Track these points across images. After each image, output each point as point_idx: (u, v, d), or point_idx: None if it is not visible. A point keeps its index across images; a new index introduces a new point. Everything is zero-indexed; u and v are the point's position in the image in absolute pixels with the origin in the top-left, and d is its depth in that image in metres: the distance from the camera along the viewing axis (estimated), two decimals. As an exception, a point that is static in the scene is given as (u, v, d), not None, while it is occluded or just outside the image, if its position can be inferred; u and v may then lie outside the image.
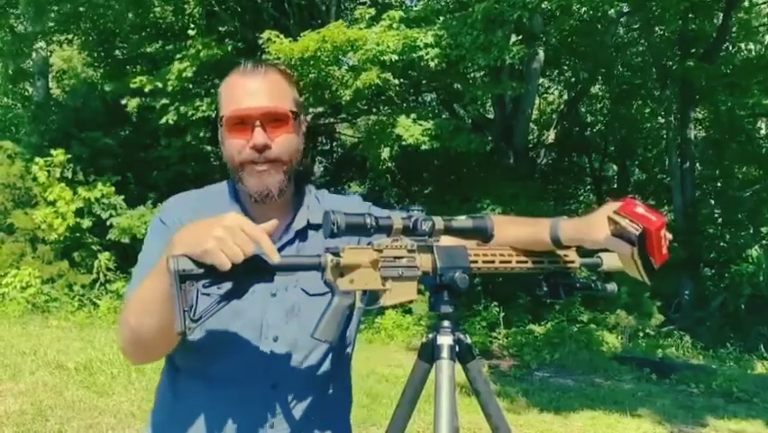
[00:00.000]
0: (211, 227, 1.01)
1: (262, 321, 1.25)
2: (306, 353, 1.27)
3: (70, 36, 11.79)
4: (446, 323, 1.18)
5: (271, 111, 1.23)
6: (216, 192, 1.35)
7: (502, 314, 9.26)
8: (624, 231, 1.13)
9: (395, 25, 8.62)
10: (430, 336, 1.20)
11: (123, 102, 9.73)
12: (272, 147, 1.23)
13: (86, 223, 9.73)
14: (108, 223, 9.80)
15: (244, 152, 1.23)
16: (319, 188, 1.45)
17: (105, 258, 9.86)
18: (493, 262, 1.24)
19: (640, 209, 1.12)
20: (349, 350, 1.38)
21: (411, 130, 8.92)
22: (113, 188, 9.90)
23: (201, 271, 1.01)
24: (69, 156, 9.98)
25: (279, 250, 1.25)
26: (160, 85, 9.38)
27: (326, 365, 1.31)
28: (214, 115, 9.75)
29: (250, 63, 1.29)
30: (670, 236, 1.15)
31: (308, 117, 10.36)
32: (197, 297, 1.03)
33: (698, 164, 13.02)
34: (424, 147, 9.03)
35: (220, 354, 1.24)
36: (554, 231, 1.21)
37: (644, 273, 1.17)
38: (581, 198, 15.60)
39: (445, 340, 1.17)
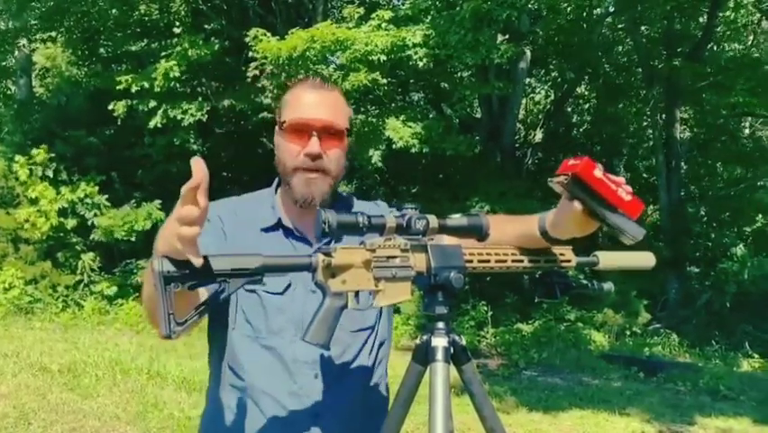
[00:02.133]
0: (172, 225, 0.97)
1: (303, 316, 1.29)
2: (345, 346, 1.34)
3: (53, 33, 11.62)
4: (441, 324, 1.15)
5: (329, 125, 1.34)
6: (258, 196, 1.45)
7: (490, 313, 9.27)
8: (561, 187, 1.10)
9: (383, 25, 8.58)
10: (424, 337, 1.17)
11: (111, 107, 9.56)
12: (323, 158, 1.32)
13: (70, 223, 9.60)
14: (90, 222, 9.67)
15: (298, 158, 1.32)
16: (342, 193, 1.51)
17: (88, 259, 9.73)
18: (488, 261, 1.21)
19: (571, 162, 1.09)
20: (385, 345, 1.44)
21: (401, 132, 8.89)
22: (96, 188, 9.78)
23: (186, 271, 0.98)
24: (53, 155, 9.84)
25: (318, 250, 1.28)
26: (146, 85, 9.24)
27: (365, 358, 1.37)
28: (205, 119, 9.68)
29: (318, 78, 1.41)
30: (620, 179, 1.09)
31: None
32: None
33: (683, 163, 13.12)
34: (413, 150, 9.02)
35: (266, 347, 1.31)
36: (542, 223, 1.20)
37: (623, 228, 1.10)
38: (568, 197, 15.61)
39: (440, 342, 1.14)
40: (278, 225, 1.37)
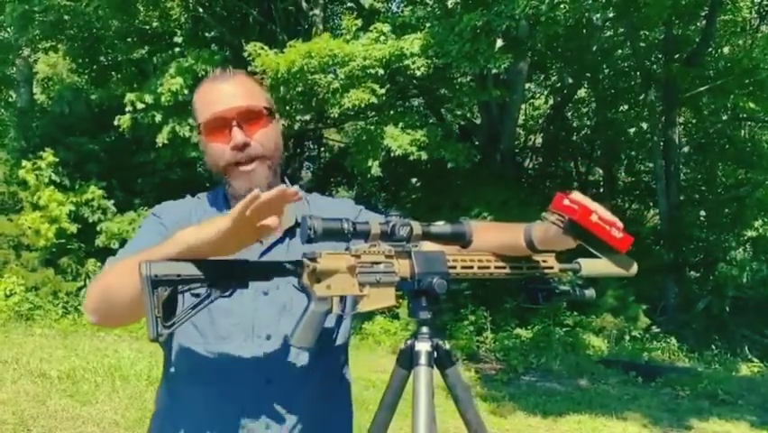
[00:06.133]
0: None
1: (254, 320, 1.26)
2: (299, 351, 1.27)
3: (55, 43, 11.70)
4: (424, 329, 1.17)
5: (244, 109, 1.27)
6: (208, 198, 1.40)
7: (489, 318, 9.27)
8: (556, 226, 1.14)
9: (382, 38, 8.62)
10: (408, 342, 1.19)
11: (117, 122, 9.60)
12: (251, 144, 1.26)
13: (72, 228, 9.63)
14: (99, 228, 9.71)
15: (227, 154, 1.26)
16: (310, 192, 1.47)
17: (91, 264, 9.76)
18: (471, 267, 1.24)
19: (566, 201, 1.13)
20: (344, 348, 1.41)
21: (399, 140, 8.91)
22: (101, 192, 9.83)
23: (175, 276, 1.00)
24: (57, 160, 9.89)
25: (269, 249, 1.29)
26: (150, 100, 9.26)
27: (322, 363, 1.32)
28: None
29: (218, 69, 1.35)
30: (613, 220, 1.13)
31: (295, 126, 10.35)
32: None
33: (682, 167, 13.13)
34: (412, 158, 9.05)
35: (213, 353, 1.26)
36: (528, 234, 1.21)
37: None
38: (568, 202, 15.54)
39: (423, 346, 1.16)
40: None
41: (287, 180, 1.41)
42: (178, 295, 1.03)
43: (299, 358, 1.29)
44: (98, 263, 9.76)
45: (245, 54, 9.02)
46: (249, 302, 1.27)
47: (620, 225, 1.13)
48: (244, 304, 1.26)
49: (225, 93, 1.28)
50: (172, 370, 1.33)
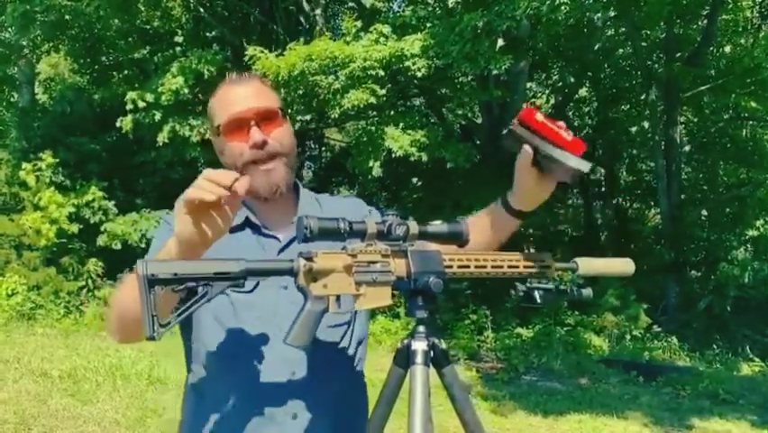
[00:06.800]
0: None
1: (275, 313, 1.29)
2: (321, 343, 1.30)
3: (56, 43, 11.72)
4: (421, 328, 1.17)
5: (262, 110, 1.33)
6: None
7: (490, 317, 9.27)
8: (511, 140, 1.20)
9: (382, 39, 8.62)
10: (405, 341, 1.20)
11: (119, 124, 9.63)
12: (269, 142, 1.32)
13: (74, 228, 9.65)
14: (102, 228, 9.72)
15: (246, 153, 1.31)
16: (318, 193, 1.51)
17: (92, 264, 9.77)
18: (468, 266, 1.24)
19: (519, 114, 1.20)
20: (363, 344, 1.44)
21: (400, 141, 8.91)
22: (101, 193, 9.84)
23: (172, 275, 1.01)
24: (57, 161, 9.91)
25: (286, 246, 1.34)
26: (151, 99, 9.27)
27: (342, 355, 1.37)
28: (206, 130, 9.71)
29: (234, 73, 1.40)
30: (561, 123, 1.18)
31: (296, 125, 10.36)
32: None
33: (684, 167, 13.11)
34: (413, 158, 9.05)
35: (237, 346, 1.30)
36: (504, 198, 1.30)
37: (569, 162, 1.18)
38: (570, 201, 15.67)
39: (420, 345, 1.16)
40: (245, 225, 1.36)
41: (307, 191, 1.47)
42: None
43: (320, 352, 1.31)
44: (99, 263, 9.79)
45: (245, 57, 9.02)
46: (270, 296, 1.30)
47: (570, 131, 1.17)
48: (266, 298, 1.30)
49: (243, 95, 1.34)
50: (197, 367, 1.35)
